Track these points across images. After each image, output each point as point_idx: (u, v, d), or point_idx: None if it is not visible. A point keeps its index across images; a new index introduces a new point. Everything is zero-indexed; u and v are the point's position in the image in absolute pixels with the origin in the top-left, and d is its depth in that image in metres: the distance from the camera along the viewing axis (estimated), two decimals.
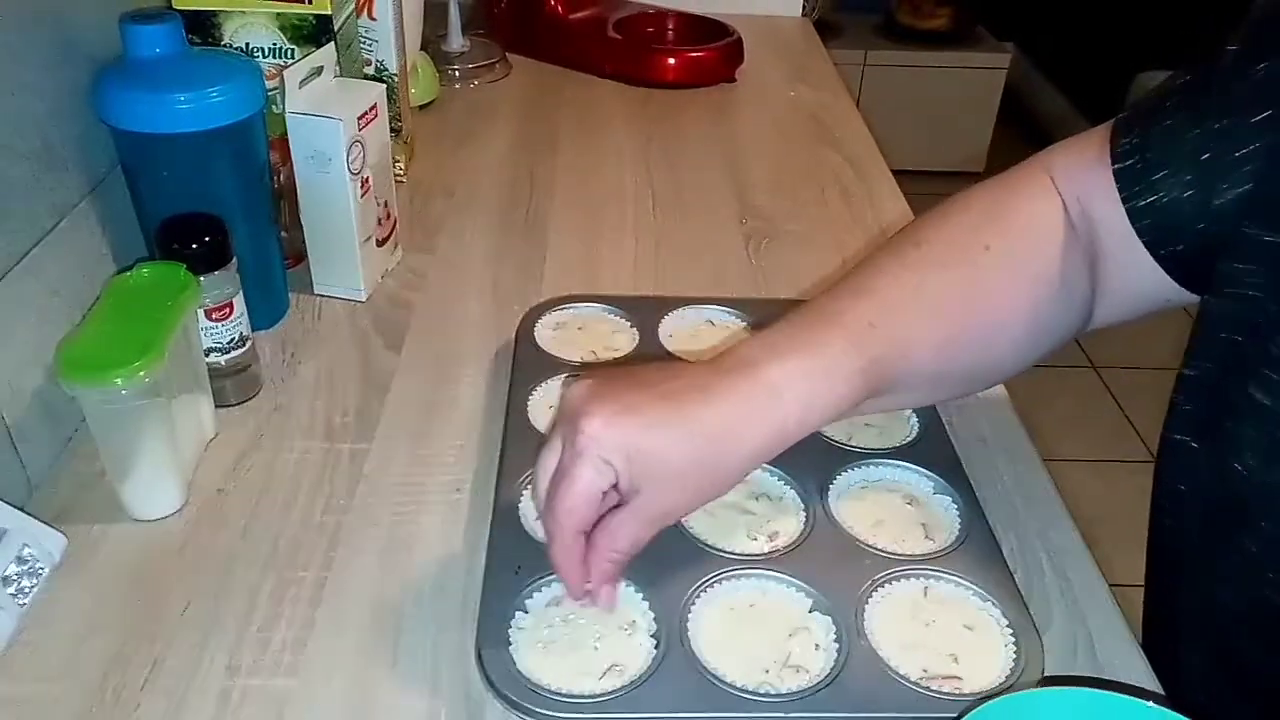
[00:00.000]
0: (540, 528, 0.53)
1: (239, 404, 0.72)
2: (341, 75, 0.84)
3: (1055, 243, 0.59)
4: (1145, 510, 0.66)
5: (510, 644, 0.52)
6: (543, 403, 0.69)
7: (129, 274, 0.63)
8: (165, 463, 0.62)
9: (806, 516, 0.61)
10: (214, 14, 0.82)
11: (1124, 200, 0.58)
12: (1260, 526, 0.53)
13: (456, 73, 1.30)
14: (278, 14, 0.83)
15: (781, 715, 0.49)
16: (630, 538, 0.51)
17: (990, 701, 0.44)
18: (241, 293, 0.69)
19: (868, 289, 0.57)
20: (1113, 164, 0.58)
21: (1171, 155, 0.56)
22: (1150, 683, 0.54)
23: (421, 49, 1.20)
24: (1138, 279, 0.59)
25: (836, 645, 0.53)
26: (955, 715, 0.47)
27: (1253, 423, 0.53)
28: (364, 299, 0.84)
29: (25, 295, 0.64)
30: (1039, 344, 0.61)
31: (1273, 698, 0.57)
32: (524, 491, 0.62)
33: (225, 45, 0.84)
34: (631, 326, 0.77)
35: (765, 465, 0.63)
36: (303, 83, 0.77)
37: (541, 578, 0.56)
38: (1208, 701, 0.60)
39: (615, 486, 0.50)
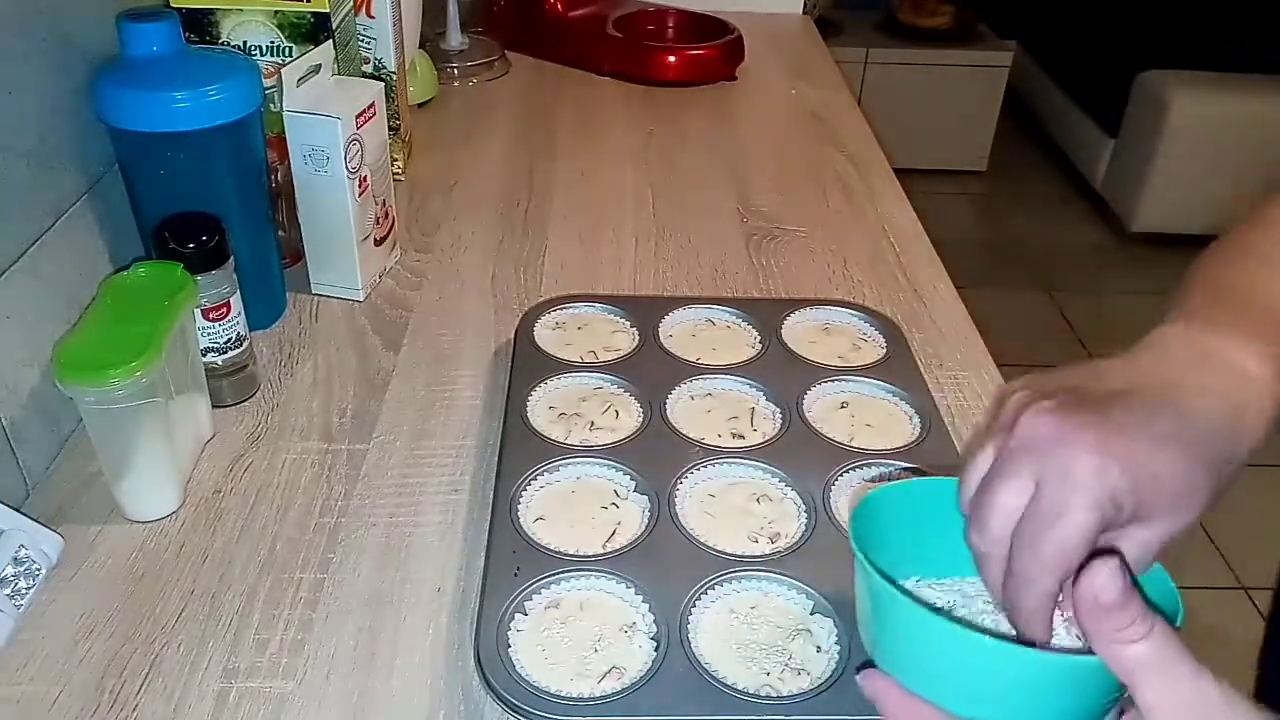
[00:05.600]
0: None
1: (236, 404, 0.71)
2: (339, 73, 0.84)
3: None
4: None
5: (509, 646, 0.52)
6: (542, 403, 0.69)
7: (126, 273, 0.63)
8: (162, 463, 0.61)
9: (808, 518, 0.60)
10: (211, 12, 0.82)
11: None
12: None
13: (455, 71, 1.30)
14: (275, 12, 0.82)
15: (783, 718, 0.49)
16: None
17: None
18: (239, 292, 0.69)
19: (1228, 283, 0.53)
20: None
21: None
22: None
23: (420, 47, 1.20)
24: None
25: (838, 647, 0.52)
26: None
27: None
28: (362, 298, 0.83)
29: (22, 295, 0.63)
30: None
31: None
32: (523, 492, 0.61)
33: (223, 43, 0.84)
34: (631, 326, 0.77)
35: (766, 466, 0.63)
36: (300, 81, 0.76)
37: (540, 580, 0.55)
38: None
39: None
